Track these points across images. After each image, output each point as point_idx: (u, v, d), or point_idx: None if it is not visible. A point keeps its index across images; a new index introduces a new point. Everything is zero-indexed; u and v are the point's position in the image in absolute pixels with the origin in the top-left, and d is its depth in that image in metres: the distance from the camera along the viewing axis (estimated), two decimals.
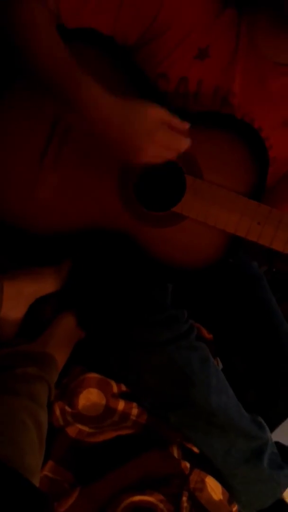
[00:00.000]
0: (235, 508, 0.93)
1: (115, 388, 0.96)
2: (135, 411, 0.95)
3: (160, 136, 0.79)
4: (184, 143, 0.81)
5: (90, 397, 0.93)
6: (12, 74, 0.91)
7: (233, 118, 0.91)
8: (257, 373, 1.05)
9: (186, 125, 0.82)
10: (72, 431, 0.89)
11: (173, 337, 0.93)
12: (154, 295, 0.96)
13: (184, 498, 0.86)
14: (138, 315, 0.93)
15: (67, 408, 0.91)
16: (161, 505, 0.84)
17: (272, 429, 1.01)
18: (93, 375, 0.95)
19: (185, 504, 0.86)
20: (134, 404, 0.95)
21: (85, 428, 0.90)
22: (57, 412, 0.90)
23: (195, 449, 0.95)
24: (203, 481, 0.91)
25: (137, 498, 0.83)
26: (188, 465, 0.91)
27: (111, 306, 0.94)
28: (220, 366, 1.09)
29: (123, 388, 0.97)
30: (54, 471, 0.84)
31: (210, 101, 0.92)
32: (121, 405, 0.95)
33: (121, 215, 0.92)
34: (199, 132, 0.88)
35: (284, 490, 0.97)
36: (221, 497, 0.92)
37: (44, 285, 0.98)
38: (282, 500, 0.99)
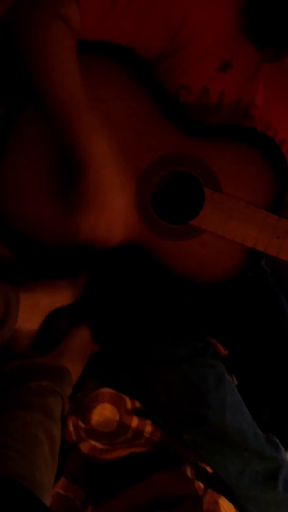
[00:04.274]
0: None
1: (129, 404, 0.95)
2: (148, 428, 0.94)
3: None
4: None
5: (103, 413, 0.92)
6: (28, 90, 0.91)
7: (253, 131, 0.91)
8: (273, 391, 1.03)
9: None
10: (85, 447, 0.88)
11: (189, 354, 0.91)
12: (170, 310, 0.95)
13: None
14: (153, 331, 0.92)
15: (81, 424, 0.90)
16: None
17: (287, 449, 0.99)
18: (107, 390, 0.94)
19: None
20: (148, 421, 0.94)
21: (98, 445, 0.89)
22: (71, 427, 0.89)
23: (209, 469, 0.93)
24: (216, 503, 0.88)
25: None
26: (201, 485, 0.89)
27: (126, 321, 0.93)
28: (235, 382, 1.07)
29: (137, 404, 0.96)
30: (66, 488, 0.82)
31: (232, 113, 0.92)
32: (134, 421, 0.93)
33: (138, 228, 0.92)
34: (219, 145, 0.88)
35: None
36: None
37: (59, 297, 0.97)
38: None
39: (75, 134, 0.80)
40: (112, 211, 0.83)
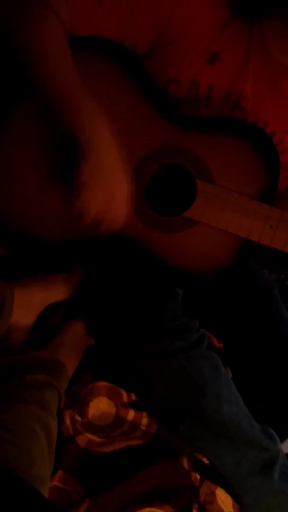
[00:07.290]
0: None
1: (125, 397, 0.95)
2: (145, 420, 0.94)
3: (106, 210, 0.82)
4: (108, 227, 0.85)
5: (100, 406, 0.92)
6: (22, 85, 0.91)
7: (244, 122, 0.91)
8: (267, 383, 1.03)
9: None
10: (81, 440, 0.88)
11: (184, 346, 0.91)
12: (165, 303, 0.95)
13: (194, 511, 0.84)
14: (148, 323, 0.92)
15: (77, 417, 0.90)
16: None
17: (282, 440, 1.00)
18: (103, 384, 0.95)
19: None
20: (144, 414, 0.94)
21: (95, 438, 0.89)
22: (67, 421, 0.89)
23: (205, 461, 0.93)
24: (213, 494, 0.89)
25: (147, 510, 0.82)
26: (198, 476, 0.89)
27: (121, 314, 0.93)
28: (230, 375, 1.08)
29: (133, 397, 0.96)
30: (63, 481, 0.83)
31: (222, 105, 0.92)
32: (131, 414, 0.94)
33: (132, 221, 0.91)
34: (210, 137, 0.89)
35: None
36: (231, 510, 0.90)
37: (54, 292, 0.97)
38: None
39: (76, 115, 0.79)
40: (120, 186, 0.82)
